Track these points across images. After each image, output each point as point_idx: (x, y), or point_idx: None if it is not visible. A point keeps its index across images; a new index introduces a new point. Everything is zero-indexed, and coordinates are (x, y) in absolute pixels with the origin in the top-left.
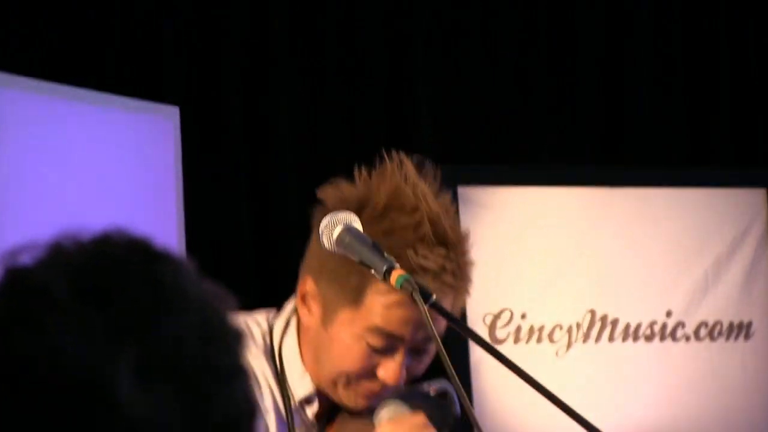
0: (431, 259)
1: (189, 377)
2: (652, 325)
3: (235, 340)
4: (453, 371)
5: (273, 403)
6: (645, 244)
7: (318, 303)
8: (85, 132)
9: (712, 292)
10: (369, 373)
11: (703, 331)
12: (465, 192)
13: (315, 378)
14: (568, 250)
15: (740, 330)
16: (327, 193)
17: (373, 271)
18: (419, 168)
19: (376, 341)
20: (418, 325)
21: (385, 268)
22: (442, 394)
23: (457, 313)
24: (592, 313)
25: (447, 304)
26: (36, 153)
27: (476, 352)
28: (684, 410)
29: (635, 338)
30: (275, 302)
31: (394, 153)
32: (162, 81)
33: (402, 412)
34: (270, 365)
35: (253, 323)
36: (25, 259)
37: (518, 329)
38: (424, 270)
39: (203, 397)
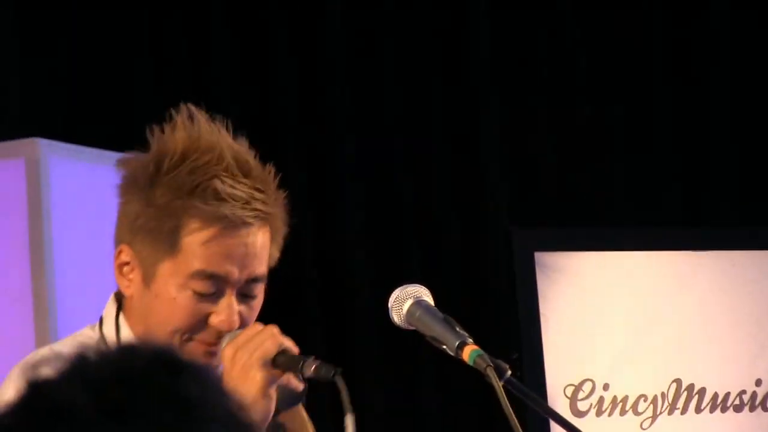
0: (239, 188)
1: None
2: (740, 394)
3: None
4: None
5: None
6: (731, 309)
7: (136, 267)
8: None
9: None
10: (201, 324)
11: None
12: (542, 257)
13: None
14: (651, 317)
15: None
16: (125, 162)
17: (445, 347)
18: (211, 119)
19: (202, 286)
20: (241, 261)
21: (457, 343)
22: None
23: (275, 252)
24: (678, 382)
25: (264, 235)
26: (98, 222)
27: (557, 428)
28: None
29: (723, 409)
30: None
31: (182, 106)
32: None
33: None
34: None
35: (84, 338)
36: (48, 371)
37: (601, 400)
38: (234, 198)
39: None
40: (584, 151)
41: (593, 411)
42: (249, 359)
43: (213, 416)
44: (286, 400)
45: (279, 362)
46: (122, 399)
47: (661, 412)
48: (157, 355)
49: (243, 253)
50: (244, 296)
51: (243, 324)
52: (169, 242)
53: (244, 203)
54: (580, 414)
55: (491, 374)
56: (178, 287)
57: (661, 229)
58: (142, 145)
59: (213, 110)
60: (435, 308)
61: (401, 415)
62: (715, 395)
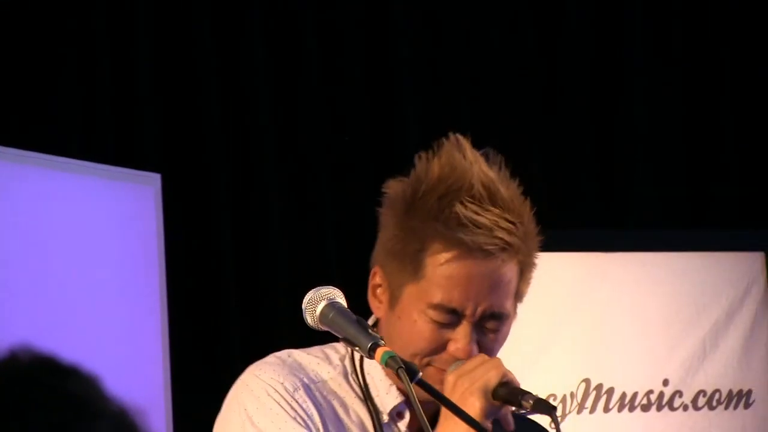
0: (483, 215)
1: None
2: (648, 394)
3: None
4: None
5: (359, 421)
6: (642, 310)
7: (385, 288)
8: (66, 200)
9: (710, 359)
10: (440, 348)
11: (701, 400)
12: None
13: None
14: (562, 317)
15: (739, 398)
16: (388, 187)
17: (357, 349)
18: (477, 150)
19: (438, 316)
20: (478, 294)
21: (369, 344)
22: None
23: (524, 288)
24: (587, 382)
25: (510, 269)
26: (16, 223)
27: None
28: None
29: (631, 408)
30: None
31: (451, 134)
32: (143, 148)
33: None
34: (352, 385)
35: (331, 350)
36: None
37: None
38: (476, 224)
39: None
40: (500, 153)
41: None
42: (470, 387)
43: (96, 413)
44: None
45: (499, 394)
46: (7, 401)
47: (570, 411)
48: (40, 359)
49: (479, 284)
50: (483, 329)
51: (482, 351)
52: (413, 265)
53: (486, 231)
54: None
55: (402, 375)
56: (419, 312)
57: (571, 230)
58: (60, 143)
59: (136, 109)
60: (348, 310)
61: None
62: (623, 395)
